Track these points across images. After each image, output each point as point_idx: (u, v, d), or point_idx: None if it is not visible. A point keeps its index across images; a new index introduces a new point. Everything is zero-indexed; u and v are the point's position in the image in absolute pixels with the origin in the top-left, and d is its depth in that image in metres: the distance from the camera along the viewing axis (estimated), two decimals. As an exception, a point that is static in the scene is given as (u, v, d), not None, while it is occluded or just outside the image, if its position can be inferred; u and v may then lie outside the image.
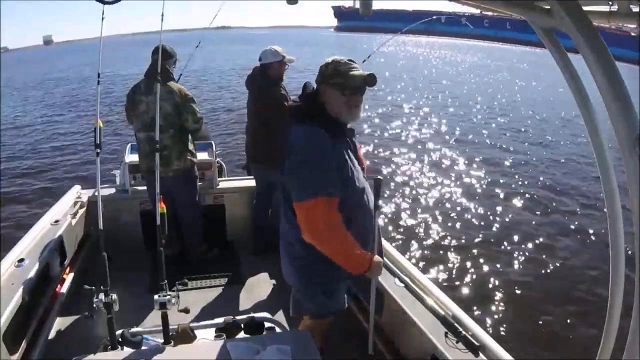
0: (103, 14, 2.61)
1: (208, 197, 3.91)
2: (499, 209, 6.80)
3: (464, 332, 1.97)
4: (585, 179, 8.27)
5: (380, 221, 2.07)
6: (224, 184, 4.03)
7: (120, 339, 1.83)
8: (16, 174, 8.44)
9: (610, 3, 1.21)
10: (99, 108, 2.32)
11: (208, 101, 14.79)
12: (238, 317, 2.05)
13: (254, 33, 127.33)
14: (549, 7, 1.20)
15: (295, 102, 2.03)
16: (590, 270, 5.12)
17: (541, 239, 5.88)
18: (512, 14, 1.35)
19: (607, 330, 1.38)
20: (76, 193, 3.65)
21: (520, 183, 7.93)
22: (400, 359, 2.39)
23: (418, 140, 10.81)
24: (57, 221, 3.21)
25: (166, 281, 1.91)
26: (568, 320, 4.26)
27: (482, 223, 6.34)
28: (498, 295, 4.66)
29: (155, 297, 1.86)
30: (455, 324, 2.03)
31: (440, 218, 6.46)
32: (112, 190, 3.80)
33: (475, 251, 5.55)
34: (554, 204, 7.01)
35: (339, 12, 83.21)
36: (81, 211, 3.52)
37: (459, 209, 6.82)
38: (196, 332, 1.92)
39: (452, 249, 5.58)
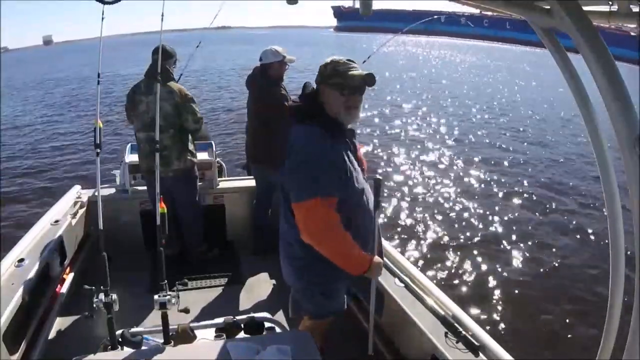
0: (103, 14, 2.61)
1: (208, 197, 3.91)
2: (499, 208, 6.80)
3: (464, 332, 1.96)
4: (584, 178, 8.28)
5: (380, 221, 2.06)
6: (224, 184, 4.03)
7: (120, 339, 1.83)
8: (16, 174, 8.44)
9: (610, 3, 1.21)
10: (99, 108, 2.32)
11: (208, 101, 14.80)
12: (238, 317, 2.05)
13: (254, 33, 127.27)
14: (549, 7, 1.20)
15: (295, 102, 2.03)
16: (590, 269, 5.12)
17: (541, 239, 5.89)
18: (512, 14, 1.35)
19: (607, 330, 1.38)
20: (76, 193, 3.65)
21: (519, 182, 7.93)
22: (400, 359, 2.39)
23: (418, 140, 10.81)
24: (57, 221, 3.21)
25: (166, 281, 1.91)
26: (568, 320, 4.26)
27: (482, 222, 6.34)
28: (498, 295, 4.66)
29: (155, 297, 1.86)
30: (455, 324, 2.03)
31: (439, 218, 6.46)
32: (112, 190, 3.80)
33: (475, 251, 5.55)
34: (553, 204, 7.01)
35: (338, 12, 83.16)
36: (81, 211, 3.52)
37: (458, 208, 6.82)
38: (196, 332, 1.91)
39: (451, 249, 5.58)
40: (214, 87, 18.50)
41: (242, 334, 1.99)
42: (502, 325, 4.17)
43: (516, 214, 6.66)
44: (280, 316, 2.79)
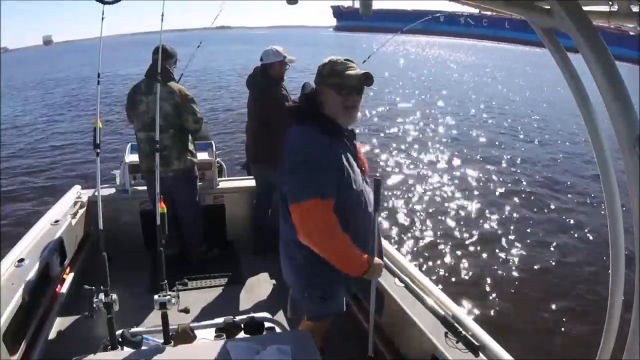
0: (103, 14, 2.61)
1: (208, 197, 3.91)
2: (499, 207, 6.80)
3: (464, 332, 1.96)
4: (584, 177, 8.28)
5: (380, 221, 2.06)
6: (224, 184, 4.03)
7: (120, 339, 1.84)
8: (16, 173, 8.45)
9: (610, 3, 1.21)
10: (99, 108, 2.32)
11: (208, 101, 14.80)
12: (238, 317, 2.05)
13: (254, 33, 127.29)
14: (549, 7, 1.20)
15: (295, 102, 2.02)
16: (590, 270, 5.12)
17: (540, 238, 5.89)
18: (512, 14, 1.35)
19: (607, 330, 1.38)
20: (76, 193, 3.65)
21: (519, 181, 7.93)
22: (400, 359, 2.39)
23: (417, 140, 10.81)
24: (57, 221, 3.21)
25: (166, 281, 1.91)
26: (568, 320, 4.26)
27: (482, 222, 6.35)
28: (498, 295, 4.66)
29: (155, 297, 1.86)
30: (455, 324, 2.02)
31: (439, 217, 6.46)
32: (112, 190, 3.80)
33: (474, 250, 5.56)
34: (553, 203, 7.01)
35: (338, 11, 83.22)
36: (81, 211, 3.52)
37: (458, 208, 6.82)
38: (196, 332, 1.92)
39: (451, 248, 5.58)
40: (214, 87, 18.50)
41: (242, 334, 1.99)
42: (502, 325, 4.16)
43: (516, 213, 6.66)
44: (280, 316, 2.79)
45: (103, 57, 2.52)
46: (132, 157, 3.70)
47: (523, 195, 7.33)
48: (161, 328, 1.88)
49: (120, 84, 16.97)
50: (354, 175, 1.87)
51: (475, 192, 7.48)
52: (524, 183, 7.92)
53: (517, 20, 1.51)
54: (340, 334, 2.59)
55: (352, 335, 2.65)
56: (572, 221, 6.40)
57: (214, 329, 2.04)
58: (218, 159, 4.10)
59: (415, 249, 5.61)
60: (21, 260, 2.65)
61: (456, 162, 9.10)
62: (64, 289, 3.08)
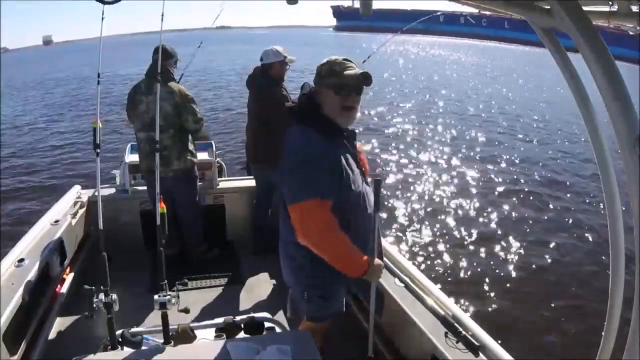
0: (103, 14, 2.61)
1: (208, 197, 3.91)
2: (498, 207, 6.80)
3: (464, 332, 1.96)
4: (584, 177, 8.29)
5: (381, 222, 2.05)
6: (224, 184, 4.03)
7: (120, 339, 1.84)
8: (16, 173, 8.46)
9: (610, 3, 1.21)
10: (99, 108, 2.32)
11: (208, 101, 14.80)
12: (238, 317, 2.05)
13: (254, 33, 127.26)
14: (549, 7, 1.20)
15: (294, 102, 2.02)
16: (590, 269, 5.12)
17: (541, 238, 5.89)
18: (512, 14, 1.35)
19: (607, 330, 1.38)
20: (76, 193, 3.65)
21: (519, 181, 7.93)
22: (400, 359, 2.39)
23: (417, 139, 10.81)
24: (57, 221, 3.21)
25: (166, 281, 1.91)
26: (568, 320, 4.26)
27: (481, 222, 6.35)
28: (498, 295, 4.66)
29: (155, 297, 1.87)
30: (455, 324, 2.02)
31: (439, 216, 6.46)
32: (112, 190, 3.80)
33: (474, 250, 5.56)
34: (554, 203, 7.02)
35: (337, 11, 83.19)
36: (81, 211, 3.52)
37: (458, 207, 6.82)
38: (196, 332, 1.92)
39: (451, 247, 5.58)
40: (214, 87, 18.49)
41: (242, 334, 1.99)
42: (502, 325, 4.16)
43: (516, 213, 6.66)
44: (280, 316, 2.79)
45: (103, 57, 2.52)
46: (132, 157, 3.70)
47: (523, 195, 7.34)
48: (161, 328, 1.88)
49: (120, 84, 16.97)
50: (353, 176, 1.85)
51: (475, 192, 7.48)
52: (524, 182, 7.92)
53: (517, 20, 1.51)
54: (340, 334, 2.59)
55: (352, 335, 2.65)
56: (572, 220, 6.41)
57: (214, 329, 2.04)
58: (218, 159, 4.11)
59: (415, 248, 5.61)
60: (21, 260, 2.65)
61: (456, 161, 9.10)
62: (64, 289, 3.08)
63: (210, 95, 16.42)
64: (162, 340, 1.87)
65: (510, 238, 5.85)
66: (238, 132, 9.99)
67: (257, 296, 3.35)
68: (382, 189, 2.03)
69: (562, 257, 5.46)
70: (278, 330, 2.09)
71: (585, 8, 1.16)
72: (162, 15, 3.17)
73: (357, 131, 2.06)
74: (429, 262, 5.27)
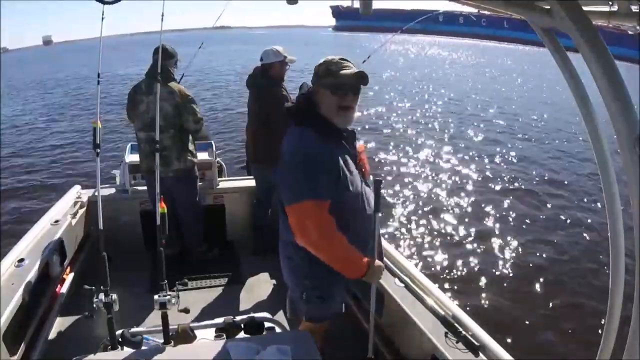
0: (103, 14, 2.61)
1: (208, 197, 3.91)
2: (498, 207, 6.80)
3: (464, 332, 1.96)
4: (584, 176, 8.29)
5: (380, 222, 2.04)
6: (224, 184, 4.03)
7: (120, 339, 1.84)
8: (16, 172, 8.46)
9: (610, 3, 1.21)
10: (99, 108, 2.32)
11: (207, 101, 14.81)
12: (238, 317, 2.05)
13: (254, 33, 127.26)
14: (549, 7, 1.20)
15: (293, 103, 2.02)
16: (591, 269, 5.12)
17: (541, 238, 5.89)
18: (512, 14, 1.35)
19: (607, 330, 1.38)
20: (76, 193, 3.65)
21: (519, 181, 7.93)
22: (400, 359, 2.39)
23: (416, 139, 10.81)
24: (57, 221, 3.21)
25: (166, 281, 1.91)
26: (568, 320, 4.26)
27: (481, 221, 6.35)
28: (498, 294, 4.66)
29: (155, 297, 1.87)
30: (455, 324, 2.02)
31: (439, 216, 6.46)
32: (112, 190, 3.80)
33: (475, 249, 5.56)
34: (554, 202, 7.01)
35: (337, 11, 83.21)
36: (81, 211, 3.52)
37: (457, 207, 6.82)
38: (196, 332, 1.92)
39: (451, 247, 5.58)
40: (214, 87, 18.49)
41: (242, 334, 1.99)
42: (502, 325, 4.16)
43: (516, 212, 6.66)
44: (280, 316, 2.79)
45: (103, 57, 2.52)
46: (132, 157, 3.70)
47: (522, 194, 7.34)
48: (161, 328, 1.88)
49: (120, 84, 16.96)
50: (350, 177, 1.84)
51: (475, 191, 7.48)
52: (523, 182, 7.92)
53: (516, 19, 1.51)
54: (340, 334, 2.59)
55: (352, 336, 2.65)
56: (571, 220, 6.41)
57: (214, 329, 2.04)
58: (218, 159, 4.10)
59: (414, 248, 5.61)
60: (21, 260, 2.65)
61: (455, 160, 9.11)
62: (64, 289, 3.08)
63: (209, 95, 16.42)
64: (162, 340, 1.87)
65: (510, 237, 5.85)
66: (238, 132, 9.99)
67: (257, 296, 3.35)
68: (382, 190, 2.02)
69: (562, 256, 5.47)
70: (278, 330, 2.09)
71: (585, 8, 1.16)
72: (162, 15, 3.17)
73: (357, 130, 2.05)
74: (428, 262, 5.27)
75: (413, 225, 6.20)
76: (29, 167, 8.77)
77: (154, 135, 2.61)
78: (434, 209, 6.76)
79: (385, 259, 2.41)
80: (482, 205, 6.86)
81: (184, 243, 3.71)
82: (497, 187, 7.68)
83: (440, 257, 5.37)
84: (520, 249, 5.59)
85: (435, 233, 6.00)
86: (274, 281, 3.50)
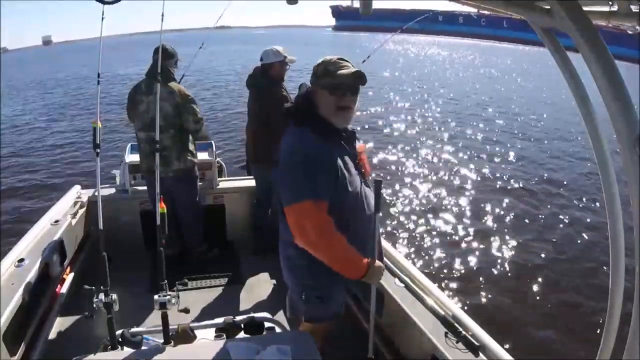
0: (103, 14, 2.61)
1: (208, 197, 3.91)
2: (498, 206, 6.80)
3: (464, 332, 1.96)
4: (584, 175, 8.29)
5: (380, 222, 2.04)
6: (224, 184, 4.03)
7: (120, 339, 1.84)
8: (16, 172, 8.46)
9: (610, 3, 1.21)
10: (99, 108, 2.32)
11: (207, 101, 14.80)
12: (238, 317, 2.05)
13: (254, 33, 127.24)
14: (549, 7, 1.20)
15: (292, 103, 2.01)
16: (591, 270, 5.12)
17: (541, 237, 5.89)
18: (512, 14, 1.35)
19: (607, 330, 1.38)
20: (76, 193, 3.65)
21: (519, 180, 7.93)
22: (401, 359, 2.39)
23: (416, 139, 10.81)
24: (57, 221, 3.21)
25: (166, 281, 1.91)
26: (568, 320, 4.26)
27: (481, 221, 6.35)
28: (498, 294, 4.66)
29: (155, 297, 1.87)
30: (455, 324, 2.02)
31: (439, 216, 6.46)
32: (112, 190, 3.80)
33: (475, 249, 5.56)
34: (555, 202, 7.02)
35: (337, 11, 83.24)
36: (81, 211, 3.52)
37: (458, 207, 6.82)
38: (196, 332, 1.92)
39: (451, 247, 5.58)
40: (214, 87, 18.49)
41: (242, 334, 1.99)
42: (502, 325, 4.16)
43: (516, 212, 6.66)
44: (280, 316, 2.79)
45: (103, 57, 2.52)
46: (132, 157, 3.71)
47: (522, 194, 7.34)
48: (161, 328, 1.88)
49: (120, 84, 16.97)
50: (349, 177, 1.84)
51: (474, 191, 7.49)
52: (523, 181, 7.92)
53: (516, 19, 1.51)
54: (340, 334, 2.59)
55: (352, 336, 2.65)
56: (571, 219, 6.41)
57: (214, 329, 2.04)
58: (218, 159, 4.11)
59: (414, 248, 5.61)
60: (21, 260, 2.65)
61: (455, 160, 9.11)
62: (64, 289, 3.08)
63: (209, 95, 16.42)
64: (162, 340, 1.87)
65: (510, 237, 5.85)
66: (238, 131, 9.99)
67: (257, 296, 3.35)
68: (382, 190, 2.01)
69: (561, 255, 5.47)
70: (278, 330, 2.09)
71: (585, 8, 1.16)
72: (162, 15, 3.17)
73: (356, 131, 2.05)
74: (428, 262, 5.27)
75: (413, 225, 6.20)
76: (29, 167, 8.78)
77: (154, 135, 2.61)
78: (434, 208, 6.76)
79: (385, 259, 2.41)
80: (482, 205, 6.86)
81: (184, 243, 3.71)
82: (497, 187, 7.68)
83: (440, 257, 5.38)
84: (520, 249, 5.59)
85: (435, 233, 6.00)
86: (274, 281, 3.50)
